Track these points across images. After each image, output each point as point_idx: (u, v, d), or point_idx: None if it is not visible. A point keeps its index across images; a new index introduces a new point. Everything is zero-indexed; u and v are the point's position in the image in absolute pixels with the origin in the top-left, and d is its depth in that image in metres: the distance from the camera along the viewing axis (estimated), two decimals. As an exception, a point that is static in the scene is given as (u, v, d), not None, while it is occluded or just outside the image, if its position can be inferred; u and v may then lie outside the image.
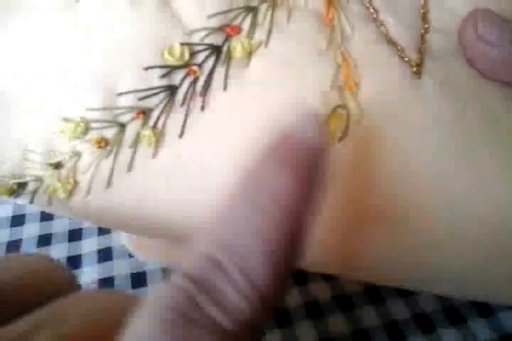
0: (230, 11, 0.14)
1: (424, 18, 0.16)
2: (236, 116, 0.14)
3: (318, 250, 0.14)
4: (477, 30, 0.15)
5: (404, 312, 0.20)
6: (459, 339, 0.19)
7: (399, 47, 0.15)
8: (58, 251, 0.23)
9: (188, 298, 0.08)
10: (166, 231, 0.15)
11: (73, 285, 0.13)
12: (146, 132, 0.14)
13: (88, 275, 0.21)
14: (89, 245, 0.23)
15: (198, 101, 0.14)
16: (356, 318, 0.20)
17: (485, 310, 0.20)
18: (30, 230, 0.24)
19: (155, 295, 0.09)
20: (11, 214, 0.24)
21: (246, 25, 0.14)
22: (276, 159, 0.10)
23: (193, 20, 0.14)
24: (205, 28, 0.14)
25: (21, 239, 0.23)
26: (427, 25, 0.16)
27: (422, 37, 0.16)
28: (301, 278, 0.21)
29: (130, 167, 0.14)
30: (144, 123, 0.14)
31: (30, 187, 0.14)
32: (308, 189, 0.10)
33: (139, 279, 0.21)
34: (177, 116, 0.14)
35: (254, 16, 0.14)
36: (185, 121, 0.14)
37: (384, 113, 0.14)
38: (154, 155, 0.14)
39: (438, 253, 0.14)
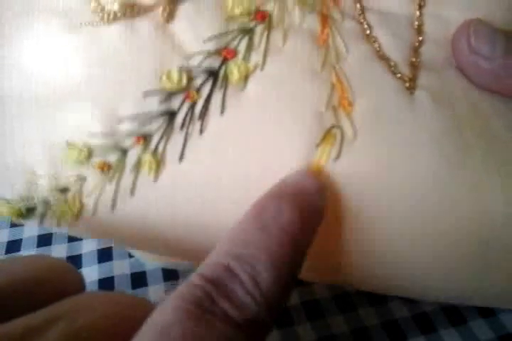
0: (226, 34, 0.15)
1: (419, 30, 0.17)
2: (234, 140, 0.15)
3: None
4: (469, 43, 0.16)
5: (404, 312, 0.21)
6: (459, 339, 0.20)
7: (392, 64, 0.16)
8: (58, 251, 0.24)
9: (206, 294, 0.11)
10: (170, 249, 0.17)
11: (80, 284, 0.14)
12: (147, 157, 0.15)
13: (88, 275, 0.22)
14: (89, 245, 0.24)
15: (196, 125, 0.15)
16: (356, 318, 0.21)
17: (485, 310, 0.21)
18: (30, 230, 0.25)
19: (177, 291, 0.11)
20: (10, 215, 0.25)
21: (242, 47, 0.15)
22: (281, 196, 0.14)
23: (190, 44, 0.15)
24: (202, 52, 0.15)
25: (21, 239, 0.24)
26: (421, 38, 0.17)
27: (416, 50, 0.17)
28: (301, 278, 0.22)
29: (133, 191, 0.15)
30: (145, 149, 0.15)
31: (39, 210, 0.16)
32: (304, 219, 0.13)
33: (139, 279, 0.23)
34: (177, 140, 0.15)
35: (250, 39, 0.15)
36: (184, 145, 0.15)
37: (377, 132, 0.15)
38: (155, 178, 0.15)
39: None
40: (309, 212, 0.14)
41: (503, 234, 0.15)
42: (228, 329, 0.10)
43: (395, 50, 0.16)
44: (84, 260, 0.23)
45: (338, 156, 0.15)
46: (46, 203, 0.15)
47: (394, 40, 0.16)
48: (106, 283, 0.22)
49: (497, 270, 0.16)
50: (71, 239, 0.24)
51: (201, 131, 0.15)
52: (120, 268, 0.23)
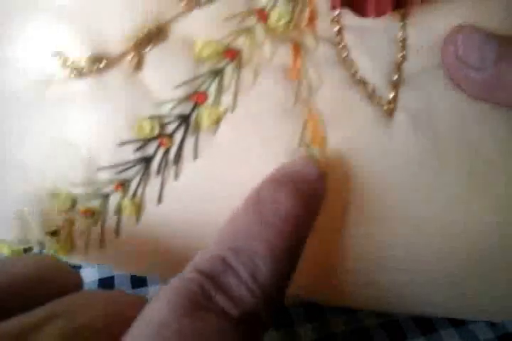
0: (196, 78, 0.15)
1: (403, 44, 0.16)
2: (208, 184, 0.16)
3: None
4: (457, 53, 0.15)
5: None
6: (459, 339, 0.20)
7: (369, 88, 0.16)
8: None
9: (201, 288, 0.11)
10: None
11: (78, 284, 0.15)
12: (127, 203, 0.16)
13: (88, 275, 0.22)
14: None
15: (172, 169, 0.16)
16: (356, 318, 0.21)
17: None
18: None
19: (170, 286, 0.11)
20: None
21: (212, 90, 0.15)
22: (280, 183, 0.13)
23: (161, 91, 0.15)
24: (172, 99, 0.15)
25: None
26: (404, 52, 0.16)
27: (399, 67, 0.16)
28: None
29: (117, 233, 0.16)
30: (124, 195, 0.16)
31: (35, 249, 0.17)
32: (304, 207, 0.13)
33: (139, 279, 0.22)
34: (154, 185, 0.16)
35: (220, 81, 0.15)
36: (161, 190, 0.16)
37: (353, 165, 0.15)
38: (137, 221, 0.16)
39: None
40: (310, 200, 0.13)
41: (487, 256, 0.16)
42: (225, 323, 0.10)
43: (374, 71, 0.16)
44: None
45: None
46: (41, 244, 0.17)
47: (373, 59, 0.16)
48: (106, 283, 0.22)
49: (497, 283, 0.16)
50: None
51: (176, 176, 0.16)
52: None
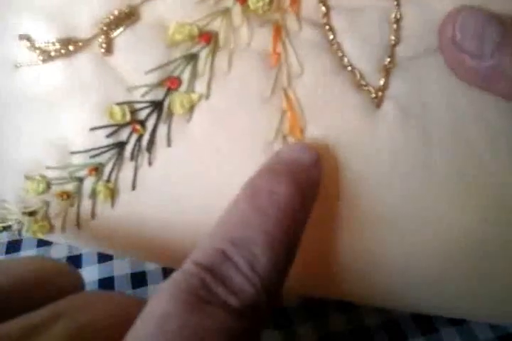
0: (169, 63, 0.15)
1: (397, 25, 0.15)
2: (182, 171, 0.16)
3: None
4: (454, 38, 0.14)
5: (405, 312, 0.21)
6: (459, 339, 0.20)
7: (357, 74, 0.15)
8: (58, 251, 0.24)
9: (201, 282, 0.11)
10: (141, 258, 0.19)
11: (79, 284, 0.15)
12: (101, 187, 0.16)
13: (88, 275, 0.23)
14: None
15: (145, 156, 0.16)
16: (356, 318, 0.21)
17: None
18: None
19: (171, 281, 0.11)
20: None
21: (186, 76, 0.15)
22: (275, 171, 0.13)
23: (132, 76, 0.15)
24: (144, 85, 0.15)
25: (21, 239, 0.25)
26: (398, 34, 0.15)
27: (391, 50, 0.15)
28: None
29: (93, 215, 0.17)
30: (98, 179, 0.16)
31: (14, 227, 0.17)
32: (301, 195, 0.13)
33: (139, 279, 0.22)
34: (128, 170, 0.16)
35: (194, 66, 0.15)
36: (135, 175, 0.16)
37: (334, 158, 0.15)
38: (112, 205, 0.16)
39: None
40: (307, 186, 0.13)
41: (464, 255, 0.15)
42: (227, 317, 0.10)
43: (364, 56, 0.15)
44: (84, 260, 0.24)
45: None
46: (19, 223, 0.17)
47: (363, 43, 0.15)
48: (106, 283, 0.22)
49: (496, 284, 0.16)
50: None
51: (150, 163, 0.16)
52: (120, 268, 0.23)
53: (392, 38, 0.15)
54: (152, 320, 0.10)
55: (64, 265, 0.15)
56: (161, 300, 0.11)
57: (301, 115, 0.15)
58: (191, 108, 0.15)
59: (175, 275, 0.11)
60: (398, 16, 0.15)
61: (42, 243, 0.25)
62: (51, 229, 0.17)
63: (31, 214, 0.17)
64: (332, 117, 0.15)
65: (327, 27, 0.15)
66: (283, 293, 0.19)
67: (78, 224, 0.17)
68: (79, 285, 0.15)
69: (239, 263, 0.11)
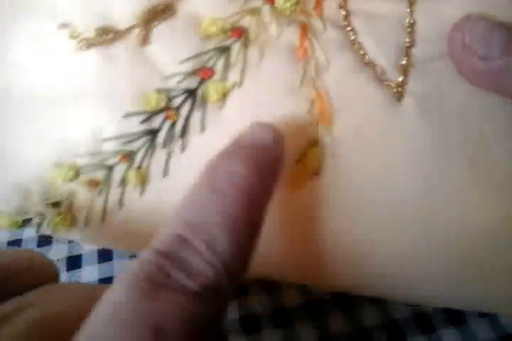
0: (203, 53, 0.16)
1: (411, 29, 0.16)
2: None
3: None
4: (464, 41, 0.15)
5: (404, 312, 0.21)
6: (459, 339, 0.20)
7: (378, 70, 0.16)
8: (58, 251, 0.24)
9: (158, 268, 0.10)
10: None
11: (53, 274, 0.15)
12: (132, 174, 0.16)
13: (88, 275, 0.23)
14: (89, 245, 0.24)
15: (178, 143, 0.16)
16: (356, 318, 0.21)
17: None
18: (31, 230, 0.24)
19: (128, 270, 0.11)
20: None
21: (219, 66, 0.16)
22: (233, 152, 0.13)
23: (167, 66, 0.16)
24: (179, 73, 0.16)
25: (21, 239, 0.25)
26: (412, 38, 0.16)
27: (407, 52, 0.16)
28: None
29: (120, 205, 0.16)
30: (129, 166, 0.16)
31: (35, 221, 0.17)
32: (260, 173, 0.13)
33: None
34: (160, 157, 0.16)
35: (227, 57, 0.16)
36: (167, 162, 0.16)
37: (360, 146, 0.15)
38: (141, 193, 0.16)
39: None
40: (265, 164, 0.13)
41: (482, 244, 0.16)
42: (185, 300, 0.10)
43: (383, 54, 0.16)
44: (84, 260, 0.24)
45: (317, 172, 0.16)
46: (41, 215, 0.17)
47: (381, 43, 0.16)
48: (106, 283, 0.22)
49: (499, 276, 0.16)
50: (71, 239, 0.24)
51: (183, 149, 0.16)
52: (120, 268, 0.23)
53: (407, 40, 0.16)
54: (107, 310, 0.10)
55: (37, 254, 0.15)
56: (116, 289, 0.10)
57: (328, 105, 0.16)
58: (224, 95, 0.16)
59: (132, 264, 0.11)
60: (412, 21, 0.16)
61: (42, 243, 0.24)
62: (74, 222, 0.17)
63: (55, 205, 0.16)
64: (358, 107, 0.16)
65: (348, 28, 0.16)
66: (281, 294, 0.19)
67: (104, 216, 0.17)
68: (53, 274, 0.15)
69: (197, 247, 0.11)
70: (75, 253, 0.24)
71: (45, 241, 0.24)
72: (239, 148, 0.13)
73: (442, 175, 0.15)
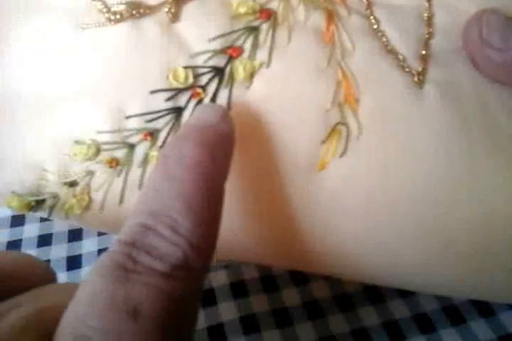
0: (232, 32, 0.16)
1: (429, 22, 0.17)
2: (240, 136, 0.16)
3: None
4: (480, 34, 0.15)
5: (405, 312, 0.21)
6: (459, 339, 0.20)
7: (400, 58, 0.16)
8: (58, 251, 0.24)
9: (126, 256, 0.11)
10: None
11: (47, 277, 0.14)
12: (155, 153, 0.16)
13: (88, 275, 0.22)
14: (89, 245, 0.24)
15: (203, 121, 0.16)
16: (356, 318, 0.21)
17: (485, 310, 0.21)
18: (30, 230, 0.25)
19: (98, 262, 0.11)
20: (10, 214, 0.25)
21: (248, 46, 0.16)
22: (181, 136, 0.13)
23: (196, 43, 0.16)
24: (207, 51, 0.16)
25: (21, 239, 0.24)
26: (430, 30, 0.17)
27: (426, 43, 0.17)
28: (301, 278, 0.22)
29: (140, 185, 0.16)
30: (152, 144, 0.16)
31: (48, 203, 0.16)
32: (210, 152, 0.13)
33: None
34: None
35: (256, 37, 0.16)
36: (191, 141, 0.16)
37: (383, 129, 0.16)
38: (163, 173, 0.16)
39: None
40: (216, 142, 0.13)
41: (505, 233, 0.16)
42: (154, 280, 0.11)
43: (404, 44, 0.17)
44: (84, 260, 0.23)
45: (343, 153, 0.16)
46: (55, 197, 0.16)
47: (402, 33, 0.17)
48: None
49: (498, 267, 0.16)
50: (71, 239, 0.24)
51: (208, 128, 0.16)
52: None
53: (427, 32, 0.17)
54: (82, 301, 0.10)
55: (30, 257, 0.15)
56: (90, 279, 0.11)
57: (354, 86, 0.16)
58: (252, 74, 0.16)
59: (101, 256, 0.11)
60: (430, 14, 0.17)
61: (42, 243, 0.24)
62: (89, 204, 0.16)
63: (72, 184, 0.16)
64: (383, 90, 0.16)
65: (371, 17, 0.17)
66: (281, 294, 0.19)
67: (122, 198, 0.16)
68: (48, 277, 0.15)
69: (161, 231, 0.11)
70: (75, 253, 0.24)
71: (44, 241, 0.24)
72: (186, 131, 0.13)
73: (464, 161, 0.15)
